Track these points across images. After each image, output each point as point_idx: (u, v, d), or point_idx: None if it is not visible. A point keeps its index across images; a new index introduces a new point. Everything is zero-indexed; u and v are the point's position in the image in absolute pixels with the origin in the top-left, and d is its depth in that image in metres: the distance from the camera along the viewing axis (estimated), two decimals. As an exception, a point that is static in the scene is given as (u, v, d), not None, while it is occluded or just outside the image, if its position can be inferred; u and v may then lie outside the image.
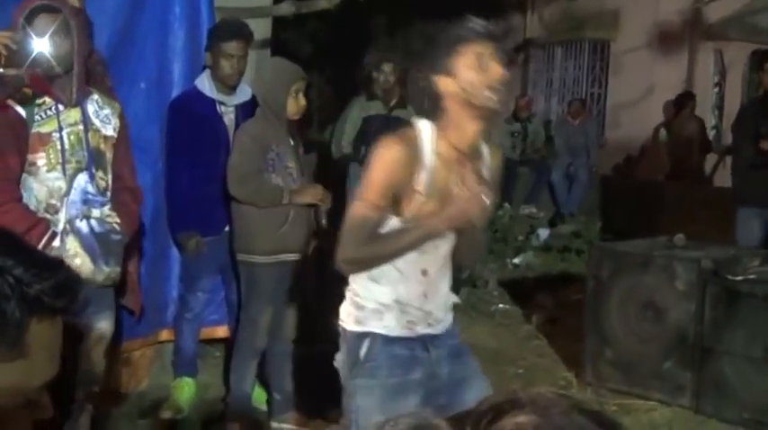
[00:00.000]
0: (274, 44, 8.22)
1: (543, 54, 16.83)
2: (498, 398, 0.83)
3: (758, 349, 5.41)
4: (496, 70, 3.03)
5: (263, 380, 5.40)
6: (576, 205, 12.40)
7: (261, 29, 6.39)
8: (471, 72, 3.02)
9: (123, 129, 4.44)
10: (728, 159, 10.66)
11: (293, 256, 5.05)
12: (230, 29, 5.30)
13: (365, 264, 3.17)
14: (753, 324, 5.45)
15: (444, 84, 3.06)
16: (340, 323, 3.32)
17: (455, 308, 7.82)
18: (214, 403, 5.57)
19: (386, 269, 3.19)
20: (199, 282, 5.47)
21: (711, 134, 13.92)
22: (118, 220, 4.22)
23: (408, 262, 3.19)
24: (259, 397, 5.46)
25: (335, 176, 8.74)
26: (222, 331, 5.79)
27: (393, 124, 8.61)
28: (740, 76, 14.52)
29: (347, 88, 10.05)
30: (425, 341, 3.30)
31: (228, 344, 5.60)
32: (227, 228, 5.22)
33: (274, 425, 5.29)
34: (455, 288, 7.96)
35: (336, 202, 8.74)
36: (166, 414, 5.36)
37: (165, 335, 5.67)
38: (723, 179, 10.75)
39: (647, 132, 13.47)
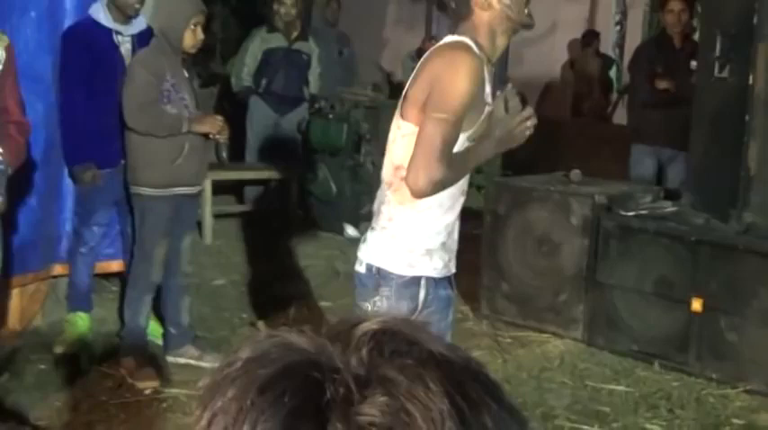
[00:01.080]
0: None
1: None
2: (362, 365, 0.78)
3: (648, 283, 5.53)
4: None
5: (159, 313, 5.37)
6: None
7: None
8: None
9: (9, 62, 4.30)
10: (627, 97, 10.84)
11: (188, 190, 5.00)
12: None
13: (445, 185, 2.93)
14: (643, 259, 5.56)
15: (483, 3, 2.99)
16: (374, 266, 3.07)
17: (355, 242, 7.85)
18: (109, 337, 5.52)
19: (432, 202, 3.01)
20: (94, 216, 5.38)
21: (612, 72, 14.06)
22: (1, 151, 4.11)
23: (450, 194, 3.04)
24: (154, 331, 5.42)
25: (235, 109, 8.66)
26: (117, 265, 5.73)
27: (294, 57, 8.62)
28: (641, 14, 14.66)
29: (252, 20, 9.90)
30: (451, 279, 3.30)
31: (124, 277, 5.54)
32: (123, 161, 5.14)
33: (170, 359, 5.26)
34: (356, 222, 7.98)
35: (235, 136, 8.71)
36: (59, 349, 5.30)
37: (59, 269, 5.59)
38: (622, 117, 10.89)
39: (551, 69, 13.55)
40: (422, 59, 3.01)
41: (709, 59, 5.51)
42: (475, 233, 7.13)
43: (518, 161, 10.80)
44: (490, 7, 2.97)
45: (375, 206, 3.14)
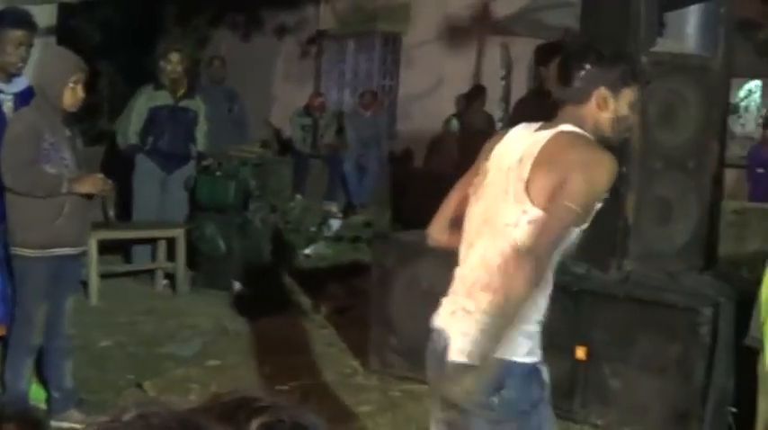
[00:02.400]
0: (61, 31, 8.00)
1: (336, 46, 16.93)
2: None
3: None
4: (635, 118, 3.11)
5: (43, 377, 5.26)
6: (368, 195, 12.56)
7: (46, 15, 6.23)
8: (628, 109, 3.03)
9: None
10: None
11: (70, 250, 4.93)
12: (16, 16, 5.16)
13: (540, 274, 2.92)
14: (528, 308, 5.63)
15: (603, 101, 2.99)
16: (496, 356, 2.92)
17: (245, 299, 7.80)
18: (-10, 403, 5.37)
19: (546, 283, 3.02)
20: (-27, 278, 5.26)
21: (498, 126, 14.32)
22: None
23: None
24: (37, 395, 5.30)
25: (122, 168, 8.58)
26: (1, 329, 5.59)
27: (180, 114, 8.60)
28: (525, 70, 14.99)
29: (140, 77, 9.86)
30: None
31: (4, 341, 5.41)
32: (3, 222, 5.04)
33: (54, 424, 5.15)
34: (245, 279, 7.92)
35: (123, 194, 8.62)
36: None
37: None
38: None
39: (438, 123, 13.73)
40: (542, 146, 2.91)
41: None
42: (364, 288, 7.18)
43: (407, 214, 10.94)
44: (606, 109, 2.97)
45: (466, 292, 3.04)
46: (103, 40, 15.36)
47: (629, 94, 2.98)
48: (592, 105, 2.95)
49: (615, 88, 2.96)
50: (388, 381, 6.05)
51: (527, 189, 2.87)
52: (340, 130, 13.34)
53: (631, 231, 5.49)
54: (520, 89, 14.77)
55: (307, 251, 9.79)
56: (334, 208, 12.07)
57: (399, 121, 15.51)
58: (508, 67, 15.16)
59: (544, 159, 2.86)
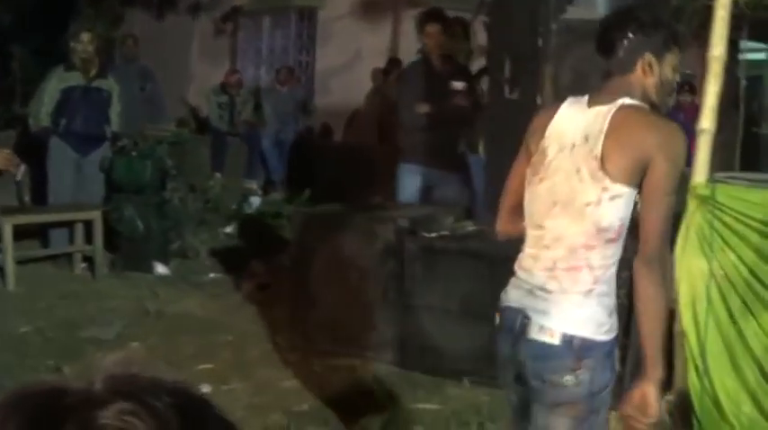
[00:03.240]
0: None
1: (251, 22, 16.79)
2: (100, 385, 0.88)
3: (454, 302, 5.65)
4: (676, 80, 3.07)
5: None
6: (287, 172, 12.52)
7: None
8: (672, 73, 3.01)
9: None
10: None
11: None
12: None
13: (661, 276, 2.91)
14: (448, 278, 5.69)
15: (649, 68, 2.96)
16: (576, 336, 2.89)
17: (165, 280, 7.75)
18: None
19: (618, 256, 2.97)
20: None
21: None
22: None
23: None
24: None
25: (36, 152, 8.45)
26: None
27: (93, 94, 8.47)
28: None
29: (53, 60, 9.68)
30: None
31: None
32: None
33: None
34: (165, 260, 7.88)
35: (38, 179, 8.49)
36: None
37: None
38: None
39: (357, 98, 13.70)
40: (609, 122, 2.86)
41: (498, 81, 5.69)
42: (286, 264, 7.18)
43: (324, 189, 10.93)
44: (652, 75, 2.96)
45: (545, 273, 2.96)
46: (15, 22, 15.07)
47: (672, 58, 2.99)
48: (638, 73, 2.95)
49: (659, 53, 2.95)
50: (311, 356, 6.05)
51: (603, 167, 2.84)
52: (257, 107, 13.25)
53: (547, 198, 5.54)
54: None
55: (227, 229, 9.73)
56: (253, 185, 12.01)
57: (317, 96, 15.45)
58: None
59: (615, 136, 2.83)
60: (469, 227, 6.04)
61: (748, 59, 10.94)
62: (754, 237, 4.56)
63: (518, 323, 2.97)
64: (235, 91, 12.97)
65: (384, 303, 5.92)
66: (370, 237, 5.95)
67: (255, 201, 10.96)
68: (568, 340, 2.86)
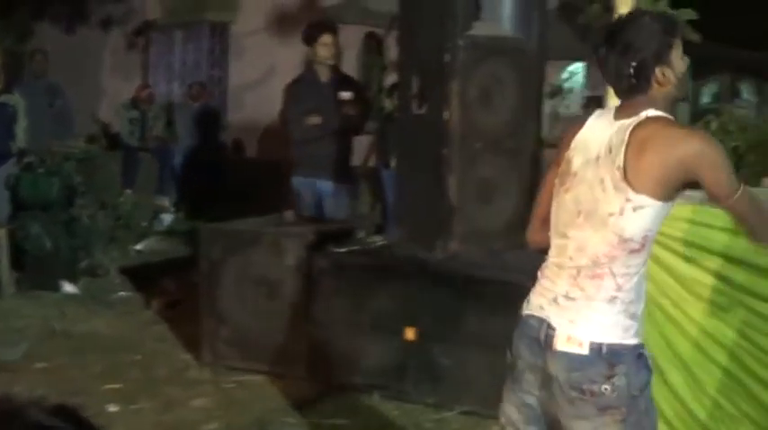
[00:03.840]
0: None
1: (164, 37, 16.67)
2: None
3: (364, 317, 5.66)
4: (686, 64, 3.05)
5: None
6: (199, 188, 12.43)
7: None
8: (682, 63, 3.00)
9: None
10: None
11: None
12: None
13: None
14: (358, 293, 5.69)
15: (663, 77, 2.95)
16: (604, 343, 2.91)
17: (74, 299, 7.62)
18: None
19: (646, 265, 3.00)
20: None
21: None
22: None
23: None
24: None
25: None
26: None
27: (-2, 110, 8.33)
28: (355, 57, 15.08)
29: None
30: None
31: None
32: None
33: None
34: (73, 278, 7.76)
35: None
36: None
37: None
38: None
39: (270, 113, 13.66)
40: (631, 132, 2.87)
41: (407, 97, 5.71)
42: (197, 281, 7.11)
43: (237, 204, 10.87)
44: (669, 84, 2.96)
45: (568, 281, 2.97)
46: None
47: (676, 52, 2.99)
48: (654, 86, 2.96)
49: (665, 59, 2.96)
50: (221, 373, 6.01)
51: (625, 178, 2.85)
52: (169, 123, 13.15)
53: (455, 212, 5.58)
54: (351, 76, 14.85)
55: (138, 247, 9.63)
56: (165, 202, 11.90)
57: (230, 112, 15.37)
58: (337, 54, 15.19)
59: (638, 148, 2.84)
60: (379, 241, 6.05)
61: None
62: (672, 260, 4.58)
63: (543, 334, 2.99)
64: (146, 106, 12.88)
65: (294, 318, 5.90)
66: (279, 251, 5.93)
67: (167, 218, 10.86)
68: (597, 348, 2.89)
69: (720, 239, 4.17)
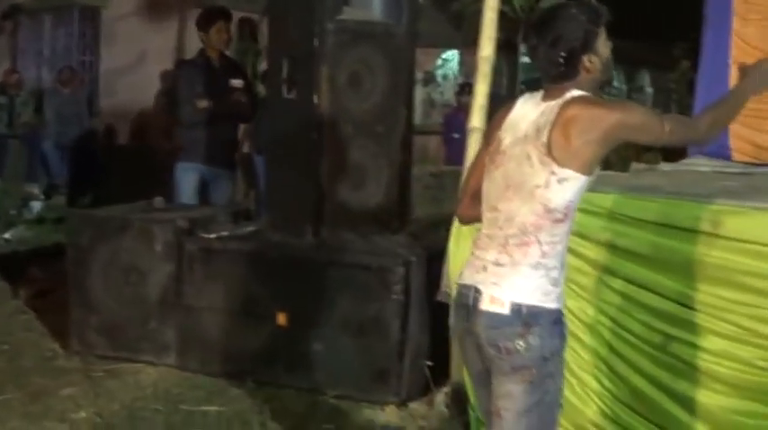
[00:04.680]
0: None
1: (32, 21, 16.28)
2: None
3: (235, 302, 5.64)
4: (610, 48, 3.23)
5: None
6: (70, 175, 12.21)
7: None
8: (606, 48, 3.19)
9: None
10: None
11: None
12: None
13: (722, 122, 3.28)
14: (228, 279, 5.67)
15: (590, 63, 3.15)
16: (524, 304, 3.09)
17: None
18: None
19: (568, 234, 3.17)
20: None
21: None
22: None
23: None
24: None
25: None
26: None
27: None
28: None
29: None
30: None
31: None
32: None
33: None
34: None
35: None
36: None
37: None
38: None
39: (143, 99, 13.50)
40: (558, 112, 3.07)
41: (276, 82, 5.70)
42: (64, 269, 6.98)
43: (109, 192, 10.72)
44: (595, 70, 3.16)
45: (498, 250, 3.15)
46: None
47: (601, 39, 3.17)
48: (582, 73, 3.15)
49: (591, 46, 3.15)
50: (90, 362, 5.92)
51: (550, 153, 3.05)
52: (38, 109, 12.87)
53: (325, 197, 5.60)
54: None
55: (6, 235, 9.41)
56: (35, 189, 11.66)
57: (102, 98, 15.12)
58: (229, 41, 15.05)
59: (563, 125, 3.05)
60: (249, 227, 6.03)
61: (525, 62, 11.35)
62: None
63: (471, 298, 3.17)
64: (14, 92, 12.60)
65: (164, 305, 5.85)
66: (148, 238, 5.86)
67: (37, 205, 10.64)
68: (517, 309, 3.08)
69: (582, 221, 4.27)
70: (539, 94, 3.24)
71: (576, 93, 3.12)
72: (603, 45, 3.18)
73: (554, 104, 3.12)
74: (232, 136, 7.56)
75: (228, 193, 7.44)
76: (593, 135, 3.03)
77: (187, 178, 7.37)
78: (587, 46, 3.14)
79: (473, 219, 3.43)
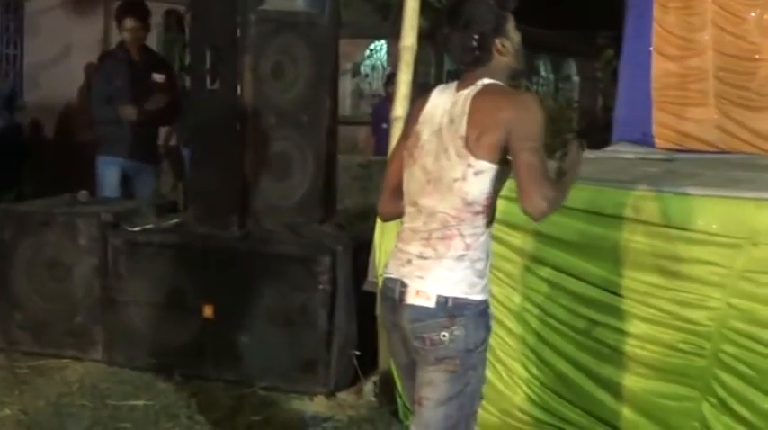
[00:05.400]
0: None
1: (-47, 14, 15.97)
2: None
3: (161, 296, 5.60)
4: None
5: None
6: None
7: None
8: (516, 34, 3.21)
9: None
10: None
11: None
12: None
13: (558, 202, 3.07)
14: (154, 272, 5.63)
15: (502, 47, 3.17)
16: (449, 296, 3.09)
17: None
18: None
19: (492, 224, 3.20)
20: None
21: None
22: None
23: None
24: None
25: None
26: None
27: None
28: (154, 33, 14.83)
29: None
30: None
31: None
32: None
33: None
34: None
35: None
36: None
37: None
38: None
39: (69, 92, 13.30)
40: (471, 103, 3.08)
41: (200, 73, 5.65)
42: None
43: (34, 187, 10.57)
44: (507, 54, 3.18)
45: (422, 243, 3.15)
46: None
47: (510, 25, 3.20)
48: (495, 56, 3.17)
49: (502, 30, 3.18)
50: (15, 359, 5.83)
51: (467, 145, 3.05)
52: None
53: (251, 188, 5.57)
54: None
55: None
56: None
57: (27, 91, 14.88)
58: (144, 36, 14.91)
59: (476, 116, 3.06)
60: (174, 220, 5.98)
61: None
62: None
63: (398, 292, 3.17)
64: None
65: (89, 300, 5.79)
66: (72, 232, 5.79)
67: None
68: (443, 301, 3.09)
69: (509, 209, 4.30)
70: (453, 85, 3.24)
71: (486, 81, 3.13)
72: (513, 30, 3.21)
73: (466, 94, 3.12)
74: (153, 129, 7.49)
75: (152, 186, 7.38)
76: (497, 123, 3.03)
77: (109, 172, 7.30)
78: (498, 29, 3.16)
79: (394, 215, 3.44)
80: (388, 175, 3.43)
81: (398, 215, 3.37)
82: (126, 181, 7.35)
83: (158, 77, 7.37)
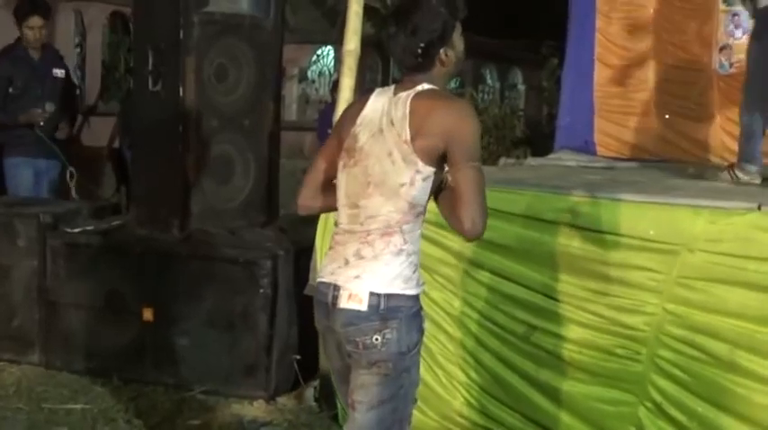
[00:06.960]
0: None
1: None
2: None
3: (100, 298, 5.55)
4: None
5: None
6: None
7: None
8: (461, 42, 3.21)
9: None
10: (93, 119, 10.88)
11: None
12: None
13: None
14: (93, 274, 5.58)
15: (445, 57, 3.17)
16: (388, 292, 3.10)
17: None
18: None
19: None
20: None
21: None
22: None
23: None
24: None
25: None
26: None
27: None
28: (100, 35, 14.78)
29: None
30: None
31: None
32: None
33: None
34: None
35: None
36: None
37: None
38: (91, 139, 10.76)
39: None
40: (410, 108, 3.07)
41: (142, 74, 5.61)
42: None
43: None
44: (450, 63, 3.19)
45: (360, 243, 3.14)
46: None
47: (457, 34, 3.20)
48: (438, 66, 3.18)
49: (448, 41, 3.17)
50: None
51: (414, 151, 3.06)
52: None
53: (192, 190, 5.54)
54: (95, 55, 14.57)
55: None
56: None
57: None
58: (82, 33, 14.83)
59: (417, 122, 3.06)
60: (115, 221, 5.93)
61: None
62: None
63: (331, 296, 3.15)
64: None
65: (28, 302, 5.72)
66: (11, 233, 5.73)
67: None
68: (375, 303, 3.08)
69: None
70: (391, 88, 3.25)
71: (426, 86, 3.14)
72: (459, 39, 3.22)
73: (405, 96, 3.12)
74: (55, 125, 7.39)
75: (56, 183, 7.30)
76: (436, 130, 3.05)
77: (19, 173, 7.21)
78: (444, 38, 3.16)
79: (314, 210, 3.47)
80: (315, 172, 3.39)
81: (318, 211, 3.44)
82: (39, 180, 7.27)
83: (59, 73, 7.32)
